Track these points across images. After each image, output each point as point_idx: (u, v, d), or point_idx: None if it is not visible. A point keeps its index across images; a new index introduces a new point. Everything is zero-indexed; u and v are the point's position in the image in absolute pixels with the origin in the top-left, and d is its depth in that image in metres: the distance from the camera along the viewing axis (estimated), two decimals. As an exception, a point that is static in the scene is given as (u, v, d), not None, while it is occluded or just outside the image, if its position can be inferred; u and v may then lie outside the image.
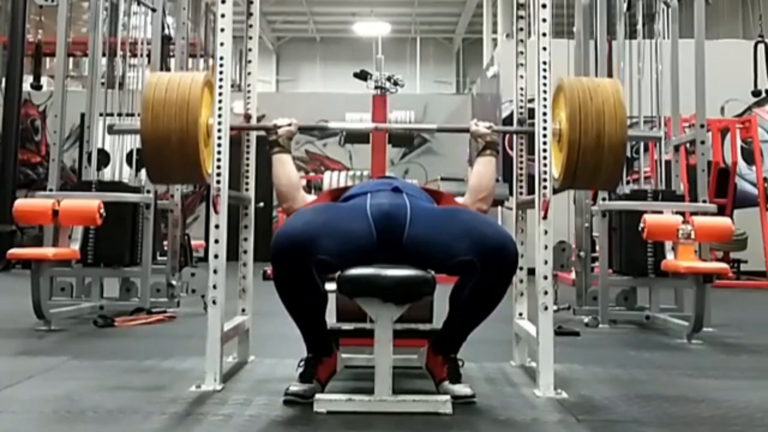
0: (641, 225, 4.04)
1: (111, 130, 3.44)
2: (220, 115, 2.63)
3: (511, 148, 3.31)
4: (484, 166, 2.80)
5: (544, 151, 2.57)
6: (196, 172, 2.58)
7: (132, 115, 5.32)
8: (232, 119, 2.69)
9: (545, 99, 2.58)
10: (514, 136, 3.24)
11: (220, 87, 2.64)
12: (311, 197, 2.81)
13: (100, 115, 5.03)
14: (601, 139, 2.42)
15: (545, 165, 2.58)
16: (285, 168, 2.76)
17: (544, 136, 2.58)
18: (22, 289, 4.23)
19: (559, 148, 2.58)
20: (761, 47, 8.66)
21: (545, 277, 2.55)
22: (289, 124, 2.83)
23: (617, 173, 2.54)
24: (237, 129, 2.92)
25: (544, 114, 2.58)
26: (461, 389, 2.42)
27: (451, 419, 2.20)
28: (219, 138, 2.62)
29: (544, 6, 2.64)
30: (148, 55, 5.16)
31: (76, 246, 4.26)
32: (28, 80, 9.28)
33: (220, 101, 2.64)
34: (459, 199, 2.79)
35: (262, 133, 3.13)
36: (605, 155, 2.43)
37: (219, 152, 2.61)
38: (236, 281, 3.05)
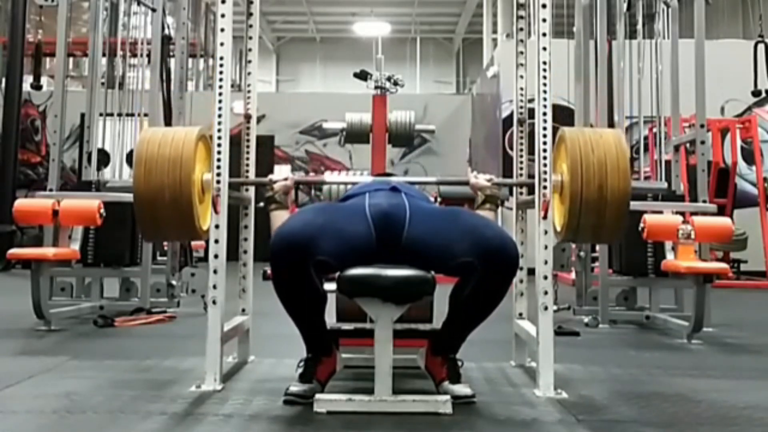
0: (641, 225, 4.04)
1: (106, 188, 3.40)
2: (220, 116, 2.63)
3: (511, 148, 3.31)
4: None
5: (545, 148, 2.58)
6: (190, 229, 2.50)
7: (132, 115, 5.32)
8: (232, 119, 2.69)
9: (545, 99, 2.58)
10: (515, 135, 3.24)
11: (220, 87, 2.64)
12: None
13: (100, 115, 5.03)
14: (604, 191, 2.36)
15: (545, 161, 2.57)
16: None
17: (544, 135, 2.58)
18: (22, 289, 4.23)
19: (561, 201, 2.52)
20: (761, 47, 8.65)
21: (545, 277, 2.55)
22: (286, 179, 2.77)
23: (620, 227, 2.45)
24: (235, 183, 2.87)
25: (544, 115, 2.58)
26: (461, 389, 2.42)
27: (451, 419, 2.20)
28: (219, 138, 2.62)
29: (544, 6, 2.64)
30: (148, 55, 5.16)
31: (76, 246, 4.26)
32: (28, 80, 9.27)
33: (220, 101, 2.64)
34: None
35: (263, 132, 3.13)
36: (608, 209, 2.36)
37: (219, 152, 2.62)
38: (236, 281, 3.05)
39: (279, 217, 2.66)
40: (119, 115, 5.31)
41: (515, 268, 2.36)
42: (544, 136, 2.57)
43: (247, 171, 3.13)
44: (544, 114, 2.58)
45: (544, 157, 2.57)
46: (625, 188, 2.39)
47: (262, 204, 2.77)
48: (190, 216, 2.45)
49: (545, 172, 2.57)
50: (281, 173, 2.81)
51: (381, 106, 3.73)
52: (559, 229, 2.52)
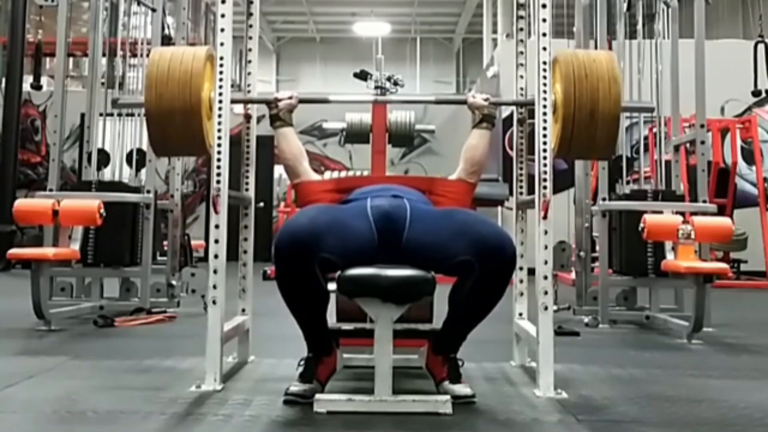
0: (641, 225, 4.04)
1: (115, 104, 3.49)
2: (220, 116, 2.63)
3: (511, 148, 3.31)
4: (478, 139, 2.87)
5: (544, 147, 2.58)
6: (199, 145, 2.63)
7: (132, 115, 5.32)
8: (232, 119, 2.69)
9: (545, 99, 2.58)
10: (515, 135, 3.23)
11: (220, 87, 2.64)
12: (317, 176, 2.88)
13: (100, 115, 5.02)
14: (595, 116, 2.49)
15: (545, 161, 2.57)
16: (288, 141, 2.85)
17: (544, 130, 2.58)
18: (22, 289, 4.23)
19: (554, 120, 2.62)
20: (761, 47, 8.66)
21: (545, 277, 2.55)
22: (290, 97, 2.90)
23: (611, 145, 2.65)
24: (238, 102, 2.98)
25: (544, 115, 2.58)
26: (461, 389, 2.42)
27: (451, 419, 2.20)
28: (219, 138, 2.62)
29: (544, 6, 2.64)
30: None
31: (76, 246, 4.26)
32: (28, 80, 9.26)
33: (220, 101, 2.64)
34: (452, 176, 2.85)
35: (263, 132, 3.14)
36: (599, 130, 2.51)
37: (219, 152, 2.62)
38: (236, 281, 3.05)
39: (283, 135, 2.87)
40: (119, 115, 5.30)
41: (513, 265, 2.36)
42: (544, 136, 2.58)
43: (247, 171, 3.12)
44: (544, 114, 2.58)
45: (544, 158, 2.57)
46: (616, 111, 2.53)
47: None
48: (200, 133, 2.59)
49: (545, 172, 2.57)
50: (285, 93, 2.93)
51: (381, 106, 3.72)
52: (552, 146, 2.64)
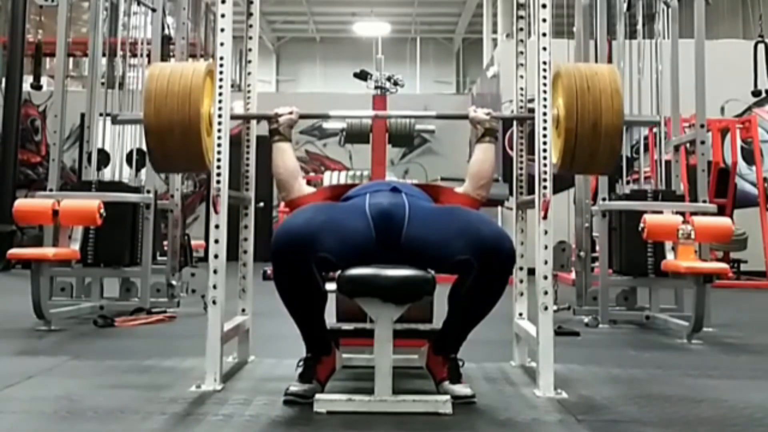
0: (641, 225, 4.04)
1: (114, 120, 3.47)
2: (220, 116, 2.63)
3: (511, 148, 3.31)
4: (483, 152, 2.82)
5: (544, 148, 2.58)
6: (198, 161, 2.61)
7: (132, 115, 5.32)
8: (232, 120, 2.69)
9: (545, 99, 2.58)
10: (515, 135, 3.24)
11: (220, 87, 2.64)
12: (310, 189, 2.82)
13: (100, 115, 5.02)
14: (598, 129, 2.47)
15: (545, 161, 2.57)
16: (284, 157, 2.77)
17: (544, 131, 2.58)
18: (22, 289, 4.23)
19: (557, 134, 2.61)
20: (761, 47, 8.66)
21: (545, 277, 2.55)
22: (290, 112, 2.85)
23: (613, 159, 2.62)
24: (238, 117, 2.98)
25: (544, 114, 2.58)
26: (461, 389, 2.42)
27: (451, 419, 2.20)
28: (219, 138, 2.62)
29: (544, 6, 2.64)
30: (148, 55, 5.16)
31: (76, 246, 4.26)
32: (28, 80, 9.27)
33: (220, 101, 2.64)
34: (458, 189, 2.79)
35: (263, 132, 3.14)
36: (602, 143, 2.48)
37: (219, 152, 2.62)
38: (236, 281, 3.05)
39: (281, 150, 2.78)
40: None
41: (511, 264, 2.36)
42: (544, 136, 2.58)
43: (247, 171, 3.12)
44: (544, 114, 2.58)
45: (544, 158, 2.57)
46: (619, 124, 2.50)
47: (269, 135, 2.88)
48: (199, 149, 2.56)
49: (545, 172, 2.57)
50: (286, 108, 2.90)
51: (381, 107, 3.72)
52: (555, 161, 2.62)
